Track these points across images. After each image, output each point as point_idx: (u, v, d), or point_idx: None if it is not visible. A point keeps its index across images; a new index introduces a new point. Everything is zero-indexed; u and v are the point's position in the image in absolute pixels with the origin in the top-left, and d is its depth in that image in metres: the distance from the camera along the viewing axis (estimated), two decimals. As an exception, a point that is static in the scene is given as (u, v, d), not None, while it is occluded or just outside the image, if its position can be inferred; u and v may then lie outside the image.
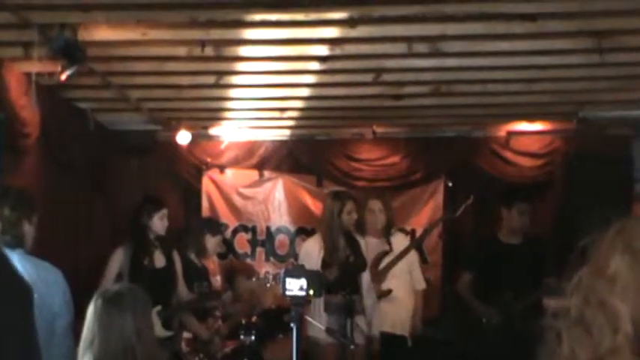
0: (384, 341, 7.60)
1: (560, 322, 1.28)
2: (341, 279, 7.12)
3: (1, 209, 4.78)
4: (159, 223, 7.36)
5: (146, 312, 4.21)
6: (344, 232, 7.35)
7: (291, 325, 5.07)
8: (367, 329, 7.39)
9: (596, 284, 1.22)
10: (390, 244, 7.85)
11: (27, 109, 6.79)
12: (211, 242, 8.10)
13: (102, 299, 4.10)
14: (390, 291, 7.68)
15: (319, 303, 7.01)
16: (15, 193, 5.09)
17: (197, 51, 6.33)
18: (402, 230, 9.20)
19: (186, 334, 7.61)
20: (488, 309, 7.77)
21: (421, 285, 8.20)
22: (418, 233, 9.54)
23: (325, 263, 7.16)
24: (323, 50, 6.59)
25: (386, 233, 7.91)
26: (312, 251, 7.33)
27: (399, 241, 8.02)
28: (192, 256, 7.92)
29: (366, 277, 7.47)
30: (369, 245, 7.62)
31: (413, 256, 8.14)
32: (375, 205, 7.88)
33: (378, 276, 7.67)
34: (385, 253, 7.79)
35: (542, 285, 7.23)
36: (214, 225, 8.59)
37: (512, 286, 7.54)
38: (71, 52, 5.92)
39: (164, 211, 7.42)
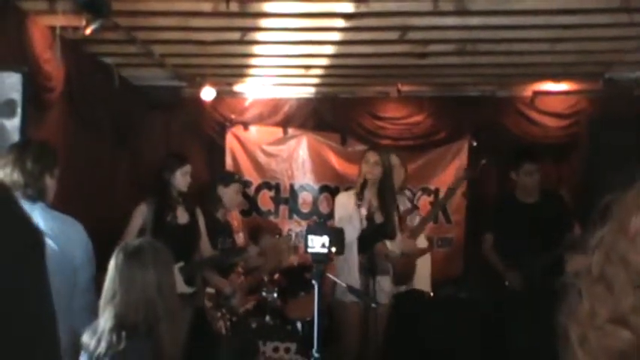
0: (406, 297, 7.63)
1: (582, 280, 1.27)
2: (368, 239, 7.12)
3: (23, 162, 4.79)
4: (181, 179, 7.37)
5: (168, 267, 4.23)
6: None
7: (313, 282, 5.09)
8: (392, 289, 7.42)
9: (617, 242, 1.21)
10: (414, 203, 7.86)
11: (51, 63, 6.79)
12: (227, 193, 8.03)
13: (123, 253, 4.13)
14: (428, 249, 7.75)
15: (353, 261, 7.02)
16: (37, 146, 5.10)
17: (222, 7, 6.30)
18: (426, 190, 9.21)
19: (208, 290, 7.64)
20: (511, 273, 7.77)
21: (424, 243, 8.20)
22: (442, 192, 9.54)
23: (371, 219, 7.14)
24: (348, 7, 6.54)
25: (401, 189, 7.89)
26: (347, 204, 7.30)
27: (403, 201, 8.01)
28: (217, 213, 7.93)
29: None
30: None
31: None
32: (396, 160, 7.83)
33: (413, 234, 7.68)
34: (410, 211, 7.79)
35: (564, 242, 7.23)
36: (226, 175, 8.53)
37: (532, 243, 7.55)
38: (96, 5, 5.92)
39: (187, 168, 7.42)
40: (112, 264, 4.11)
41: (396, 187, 7.73)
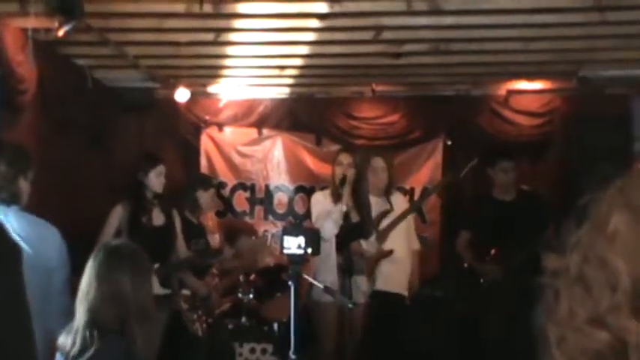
0: (382, 300, 7.62)
1: (559, 281, 1.27)
2: (344, 238, 7.12)
3: None
4: (155, 181, 7.34)
5: (144, 269, 4.23)
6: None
7: (289, 283, 5.09)
8: (368, 288, 7.42)
9: (595, 242, 1.21)
10: (391, 203, 7.83)
11: (23, 65, 6.75)
12: (204, 197, 8.07)
13: (102, 252, 4.14)
14: (391, 251, 7.68)
15: (332, 258, 7.03)
16: (11, 148, 5.06)
17: (196, 8, 6.28)
18: (401, 189, 9.21)
19: (184, 292, 7.63)
20: (485, 267, 7.82)
21: (416, 245, 8.21)
22: (417, 192, 9.57)
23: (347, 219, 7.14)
24: (323, 7, 6.54)
25: (387, 192, 7.87)
26: (324, 201, 7.32)
27: (398, 201, 8.00)
28: (188, 214, 7.92)
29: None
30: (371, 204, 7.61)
31: (411, 216, 8.13)
32: (378, 162, 7.82)
33: (380, 236, 7.67)
34: (386, 213, 7.77)
35: (540, 241, 7.26)
36: (205, 179, 8.57)
37: (508, 242, 7.57)
38: (68, 7, 5.88)
39: (160, 168, 7.39)
40: (89, 262, 4.11)
41: (378, 189, 7.75)
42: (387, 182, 7.86)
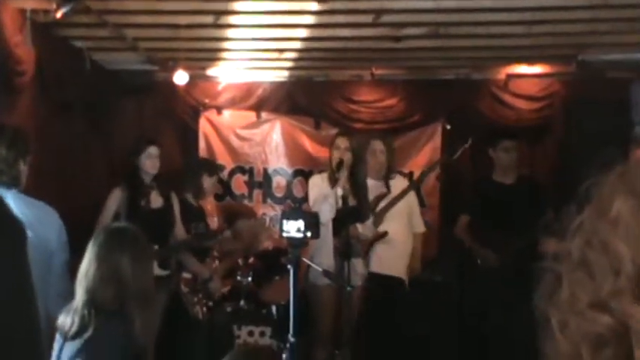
0: (379, 283, 7.62)
1: (561, 265, 1.26)
2: (341, 221, 7.13)
3: None
4: (147, 162, 7.34)
5: (145, 252, 4.24)
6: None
7: (288, 266, 5.09)
8: (365, 271, 7.44)
9: (598, 226, 1.20)
10: (388, 186, 7.82)
11: (21, 46, 6.73)
12: (208, 182, 8.11)
13: (103, 233, 4.16)
14: (385, 233, 7.66)
15: (329, 242, 7.05)
16: (10, 131, 5.06)
17: (195, -10, 6.27)
18: (400, 173, 9.21)
19: (185, 274, 7.64)
20: (484, 251, 7.82)
21: (420, 228, 8.19)
22: (416, 176, 9.55)
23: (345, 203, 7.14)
24: (322, -10, 6.53)
25: (386, 175, 7.86)
26: (321, 184, 7.34)
27: (399, 185, 7.99)
28: (189, 197, 7.93)
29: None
30: (369, 187, 7.60)
31: (412, 198, 8.10)
32: (378, 145, 7.81)
33: (376, 218, 7.66)
34: (383, 196, 7.76)
35: (539, 225, 7.26)
36: (211, 165, 8.60)
37: (507, 226, 7.57)
38: (67, -11, 5.87)
39: (151, 150, 7.39)
40: (90, 243, 4.12)
41: (377, 172, 7.74)
42: (385, 165, 7.84)
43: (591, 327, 1.18)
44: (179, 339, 7.35)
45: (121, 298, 3.98)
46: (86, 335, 3.86)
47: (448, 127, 9.56)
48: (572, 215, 1.28)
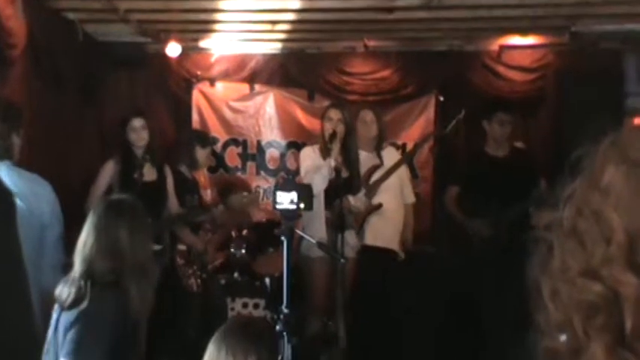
0: (372, 255, 7.64)
1: (553, 234, 1.27)
2: (334, 193, 7.14)
3: None
4: (133, 135, 7.35)
5: (143, 225, 4.24)
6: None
7: (282, 238, 5.10)
8: (357, 243, 7.45)
9: (589, 195, 1.21)
10: (380, 157, 7.82)
11: (13, 19, 6.68)
12: (201, 154, 8.09)
13: (103, 205, 4.17)
14: (380, 205, 7.67)
15: (320, 213, 7.06)
16: (4, 104, 5.05)
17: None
18: (393, 145, 9.21)
19: (180, 247, 7.64)
20: (474, 222, 7.83)
21: (411, 199, 8.19)
22: (409, 148, 9.55)
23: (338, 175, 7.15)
24: (315, -39, 6.50)
25: (377, 146, 7.86)
26: (313, 156, 7.36)
27: (390, 156, 7.99)
28: (183, 169, 7.92)
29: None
30: (361, 159, 7.59)
31: (403, 170, 8.09)
32: (367, 115, 7.80)
33: (369, 190, 7.66)
34: (376, 167, 7.76)
35: (531, 197, 7.27)
36: (204, 137, 8.57)
37: (499, 198, 7.57)
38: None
39: (134, 122, 7.38)
40: (90, 215, 4.13)
41: (368, 142, 7.73)
42: (376, 135, 7.83)
43: (582, 295, 1.19)
44: (173, 311, 7.36)
45: (117, 271, 3.99)
46: (82, 306, 3.87)
47: (441, 98, 9.55)
48: (564, 184, 1.28)
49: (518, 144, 8.42)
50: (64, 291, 3.97)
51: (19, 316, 1.57)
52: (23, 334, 1.57)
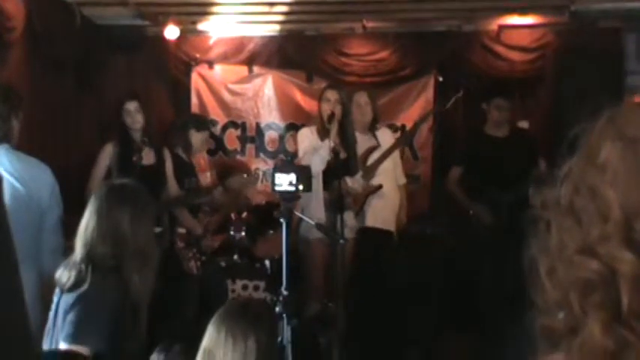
0: (370, 236, 7.65)
1: (550, 212, 1.27)
2: (332, 174, 7.14)
3: None
4: (127, 118, 7.36)
5: (145, 210, 4.23)
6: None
7: (281, 220, 5.11)
8: (355, 225, 7.46)
9: (586, 172, 1.20)
10: (376, 138, 7.82)
11: (11, 1, 6.67)
12: (197, 138, 8.06)
13: (105, 189, 4.16)
14: (380, 186, 7.67)
15: (319, 194, 7.07)
16: (3, 87, 5.05)
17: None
18: (392, 126, 9.21)
19: (180, 230, 7.64)
20: (475, 203, 7.83)
21: (403, 180, 8.19)
22: (409, 129, 9.54)
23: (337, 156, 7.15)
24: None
25: (371, 127, 7.86)
26: (311, 137, 7.37)
27: (385, 137, 7.98)
28: (180, 152, 7.91)
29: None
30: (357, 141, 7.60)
31: (395, 151, 8.09)
32: (362, 97, 7.80)
33: (367, 171, 7.66)
34: (373, 149, 7.76)
35: (531, 178, 7.26)
36: (199, 121, 8.54)
37: (500, 178, 7.57)
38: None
39: (128, 106, 7.39)
40: (92, 198, 4.12)
41: (363, 124, 7.73)
42: (371, 117, 7.84)
43: (579, 273, 1.19)
44: (173, 294, 7.37)
45: (119, 256, 3.98)
46: (82, 289, 3.87)
47: (440, 79, 9.52)
48: (562, 162, 1.28)
49: (523, 123, 8.40)
50: (64, 274, 3.97)
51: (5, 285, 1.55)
52: (7, 291, 1.55)
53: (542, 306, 1.27)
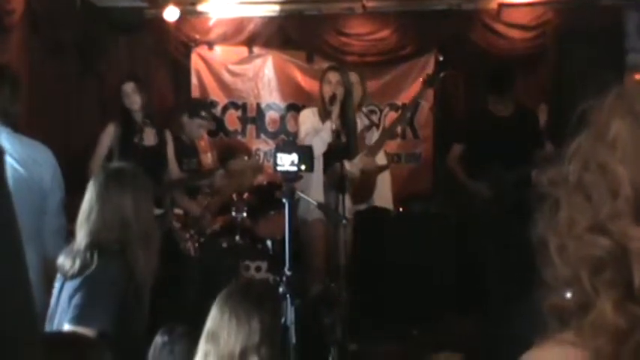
0: (369, 216, 7.65)
1: (558, 190, 1.26)
2: (331, 156, 7.14)
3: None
4: (126, 100, 7.35)
5: (146, 192, 4.22)
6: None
7: (283, 200, 5.10)
8: (352, 206, 7.46)
9: (596, 149, 1.20)
10: (370, 118, 7.83)
11: (10, -16, 6.67)
12: (190, 125, 8.04)
13: (104, 174, 4.14)
14: (387, 166, 7.71)
15: (319, 175, 7.07)
16: (8, 71, 5.07)
17: None
18: (393, 105, 9.19)
19: (177, 210, 7.64)
20: (476, 182, 7.82)
21: (383, 160, 8.16)
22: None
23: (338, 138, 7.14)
24: None
25: (359, 107, 7.85)
26: (312, 118, 7.36)
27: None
28: (182, 134, 7.91)
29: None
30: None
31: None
32: (354, 77, 7.79)
33: (371, 151, 7.64)
34: (370, 127, 7.76)
35: (534, 157, 7.25)
36: (194, 106, 8.52)
37: (502, 157, 7.55)
38: None
39: (125, 87, 7.39)
40: (91, 184, 4.10)
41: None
42: (361, 96, 7.84)
43: (590, 250, 1.18)
44: (172, 276, 7.37)
45: (124, 241, 3.98)
46: (88, 272, 3.87)
47: (441, 58, 9.49)
48: (568, 140, 1.27)
49: (543, 107, 8.29)
50: (67, 261, 3.96)
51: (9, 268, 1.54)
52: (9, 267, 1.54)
53: (552, 284, 1.26)
